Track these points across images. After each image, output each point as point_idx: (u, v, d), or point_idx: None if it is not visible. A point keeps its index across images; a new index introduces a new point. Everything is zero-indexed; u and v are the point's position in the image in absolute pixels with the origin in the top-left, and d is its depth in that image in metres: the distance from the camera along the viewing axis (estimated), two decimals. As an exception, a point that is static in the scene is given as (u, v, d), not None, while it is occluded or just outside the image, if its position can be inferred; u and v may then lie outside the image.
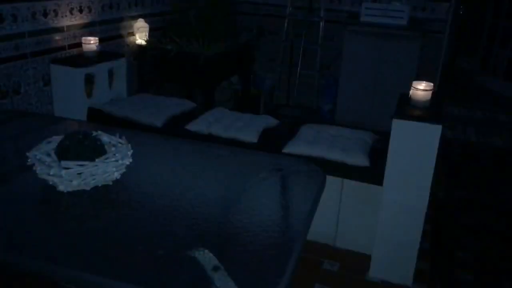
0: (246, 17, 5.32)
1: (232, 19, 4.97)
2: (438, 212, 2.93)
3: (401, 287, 2.54)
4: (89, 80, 3.27)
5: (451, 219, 2.45)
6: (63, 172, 1.45)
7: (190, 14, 4.38)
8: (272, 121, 3.18)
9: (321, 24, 4.92)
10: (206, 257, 1.17)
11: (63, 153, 1.51)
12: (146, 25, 4.20)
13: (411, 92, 2.47)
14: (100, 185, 1.53)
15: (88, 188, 1.50)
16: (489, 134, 4.60)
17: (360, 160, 2.64)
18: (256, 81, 5.14)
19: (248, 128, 2.97)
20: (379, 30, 4.41)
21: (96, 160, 1.51)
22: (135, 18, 4.15)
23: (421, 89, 2.44)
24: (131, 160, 1.59)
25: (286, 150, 2.76)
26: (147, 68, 4.23)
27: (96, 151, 1.54)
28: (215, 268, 1.13)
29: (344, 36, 4.53)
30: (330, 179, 1.86)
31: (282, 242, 1.33)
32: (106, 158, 1.53)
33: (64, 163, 1.47)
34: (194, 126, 3.01)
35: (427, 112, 2.39)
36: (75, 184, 1.48)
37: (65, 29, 3.36)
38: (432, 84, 2.47)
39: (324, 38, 4.99)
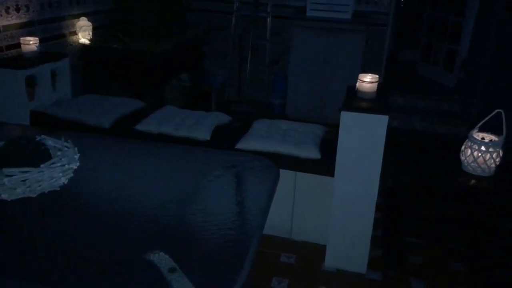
0: (194, 13, 5.26)
1: (180, 16, 4.90)
2: (388, 200, 3.03)
3: (356, 275, 2.62)
4: (31, 82, 3.13)
5: (400, 206, 2.54)
6: (6, 179, 1.39)
7: (136, 11, 4.28)
8: (224, 118, 3.17)
9: (268, 19, 4.95)
10: (162, 259, 1.16)
11: (5, 160, 1.44)
12: (89, 23, 4.06)
13: (357, 84, 2.54)
14: (46, 192, 1.46)
15: (34, 195, 1.44)
16: (433, 122, 4.81)
17: (311, 153, 2.69)
18: (206, 78, 5.10)
19: (200, 125, 2.95)
20: (325, 25, 4.50)
21: (41, 165, 1.45)
22: (77, 16, 4.00)
23: (367, 81, 2.51)
24: (78, 164, 1.54)
25: (239, 146, 2.77)
26: (93, 68, 4.10)
27: (40, 156, 1.48)
28: (172, 270, 1.12)
29: (291, 31, 4.58)
30: (283, 173, 1.88)
31: (239, 239, 1.33)
32: (52, 163, 1.48)
33: (6, 170, 1.40)
34: (144, 126, 2.95)
35: (374, 103, 2.47)
36: (20, 192, 1.41)
37: (1, 29, 3.19)
38: (377, 76, 2.55)
39: (272, 33, 5.02)
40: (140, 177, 1.70)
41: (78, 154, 1.56)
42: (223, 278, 1.15)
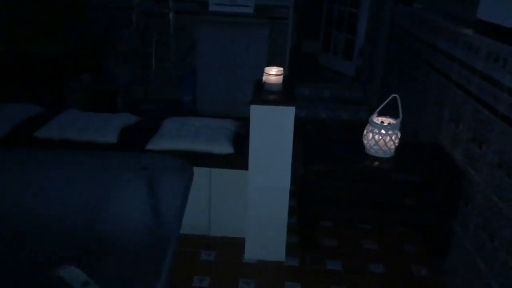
0: (93, 11, 4.99)
1: (78, 13, 4.63)
2: (300, 187, 3.14)
3: (275, 263, 2.68)
4: None
5: (312, 192, 2.64)
6: None
7: (27, 9, 3.97)
8: (131, 118, 3.06)
9: (171, 15, 4.85)
10: (73, 274, 1.09)
11: None
12: (-29, 24, 3.70)
13: (264, 77, 2.58)
14: None
15: None
16: (337, 110, 5.06)
17: (225, 148, 2.69)
18: (109, 78, 4.88)
19: (105, 128, 2.82)
20: (228, 19, 4.51)
21: None
22: (-44, 16, 3.62)
23: (273, 74, 2.56)
24: (-31, 180, 1.40)
25: (149, 147, 2.69)
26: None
27: None
28: (85, 284, 1.06)
29: (195, 26, 4.53)
30: (198, 170, 1.86)
31: (155, 243, 1.30)
32: None
33: None
34: (44, 133, 2.76)
35: (281, 95, 2.53)
36: None
37: None
38: (282, 68, 2.61)
39: (177, 28, 4.93)
40: (43, 188, 1.59)
41: (-32, 170, 1.42)
42: (141, 285, 1.11)
